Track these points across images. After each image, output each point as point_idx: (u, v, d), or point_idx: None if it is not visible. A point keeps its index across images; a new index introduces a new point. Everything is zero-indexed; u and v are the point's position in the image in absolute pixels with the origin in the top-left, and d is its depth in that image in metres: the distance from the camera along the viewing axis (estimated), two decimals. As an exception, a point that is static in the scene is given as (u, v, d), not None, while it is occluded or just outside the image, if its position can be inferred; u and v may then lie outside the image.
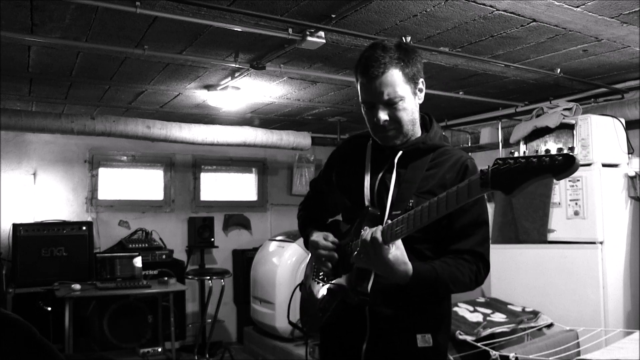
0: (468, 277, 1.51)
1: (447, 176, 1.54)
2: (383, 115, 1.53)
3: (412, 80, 1.55)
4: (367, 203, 1.59)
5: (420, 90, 1.59)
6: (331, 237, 1.67)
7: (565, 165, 1.07)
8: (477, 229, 1.54)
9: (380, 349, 1.55)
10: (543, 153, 1.11)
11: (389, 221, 1.40)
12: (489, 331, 3.16)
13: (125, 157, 5.59)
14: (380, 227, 1.39)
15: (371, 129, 1.61)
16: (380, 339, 1.56)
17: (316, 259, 1.71)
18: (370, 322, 1.56)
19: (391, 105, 1.52)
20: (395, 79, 1.51)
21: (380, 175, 1.61)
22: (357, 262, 1.47)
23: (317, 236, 1.69)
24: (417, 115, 1.61)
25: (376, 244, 1.37)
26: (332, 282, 1.64)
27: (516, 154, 1.15)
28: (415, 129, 1.61)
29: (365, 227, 1.43)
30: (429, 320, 1.57)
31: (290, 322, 1.93)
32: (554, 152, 1.10)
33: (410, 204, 1.43)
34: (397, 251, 1.39)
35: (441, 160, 1.58)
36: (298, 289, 1.82)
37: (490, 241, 1.61)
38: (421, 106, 1.64)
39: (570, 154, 1.07)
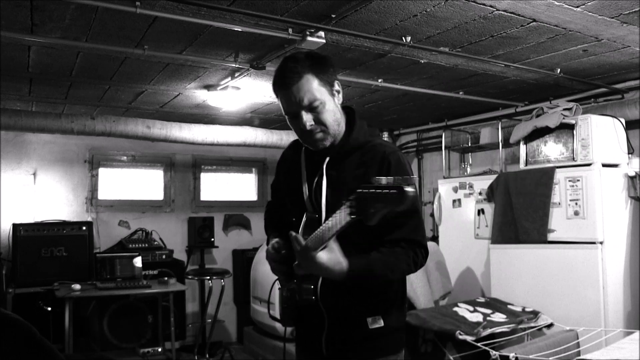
0: (405, 263, 1.61)
1: (373, 173, 1.60)
2: (308, 120, 1.61)
3: (327, 83, 1.63)
4: (307, 208, 1.69)
5: (338, 92, 1.68)
6: (282, 247, 1.77)
7: (400, 199, 1.23)
8: (408, 219, 1.61)
9: (337, 337, 1.68)
10: (392, 183, 1.27)
11: (317, 229, 1.49)
12: (489, 331, 3.15)
13: (125, 157, 5.59)
14: (307, 239, 1.48)
15: (300, 137, 1.70)
16: (336, 328, 1.67)
17: (270, 267, 1.83)
18: (327, 314, 1.67)
19: (313, 109, 1.61)
20: (311, 83, 1.59)
21: (315, 180, 1.70)
22: (297, 272, 1.59)
23: (270, 246, 1.79)
24: (339, 115, 1.69)
25: (307, 253, 1.46)
26: (287, 284, 1.77)
27: (379, 182, 1.29)
28: (340, 128, 1.69)
29: (305, 236, 1.51)
30: (379, 304, 1.67)
31: (270, 316, 2.00)
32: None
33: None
34: (330, 254, 1.48)
35: (368, 158, 1.67)
36: (277, 283, 1.90)
37: (424, 226, 1.72)
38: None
39: (405, 189, 1.22)
